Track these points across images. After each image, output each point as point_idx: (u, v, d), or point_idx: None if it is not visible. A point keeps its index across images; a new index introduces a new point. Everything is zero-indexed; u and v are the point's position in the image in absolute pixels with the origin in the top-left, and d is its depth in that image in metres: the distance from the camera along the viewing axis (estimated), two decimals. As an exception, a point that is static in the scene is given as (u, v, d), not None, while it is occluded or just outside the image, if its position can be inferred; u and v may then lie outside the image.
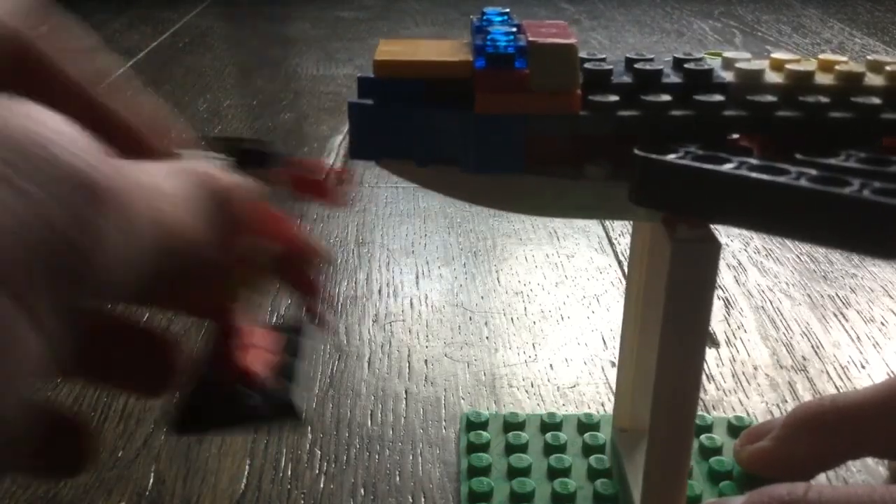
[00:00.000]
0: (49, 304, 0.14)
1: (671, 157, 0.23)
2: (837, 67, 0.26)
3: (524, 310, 0.47)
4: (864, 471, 0.35)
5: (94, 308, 0.17)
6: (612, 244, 0.55)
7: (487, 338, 0.45)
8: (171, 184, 0.20)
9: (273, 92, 0.87)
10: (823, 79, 0.26)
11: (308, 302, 0.26)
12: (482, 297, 0.49)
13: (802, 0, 1.32)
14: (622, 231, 0.57)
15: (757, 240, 0.55)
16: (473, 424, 0.36)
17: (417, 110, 0.26)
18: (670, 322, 0.26)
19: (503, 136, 0.25)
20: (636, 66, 0.26)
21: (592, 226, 0.57)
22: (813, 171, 0.22)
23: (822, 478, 0.34)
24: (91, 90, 0.28)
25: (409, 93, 0.26)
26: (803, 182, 0.21)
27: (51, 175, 0.15)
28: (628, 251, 0.33)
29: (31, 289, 0.14)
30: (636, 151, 0.24)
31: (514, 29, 0.26)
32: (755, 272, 0.52)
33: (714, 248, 0.25)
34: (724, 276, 0.51)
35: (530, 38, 0.25)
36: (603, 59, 0.27)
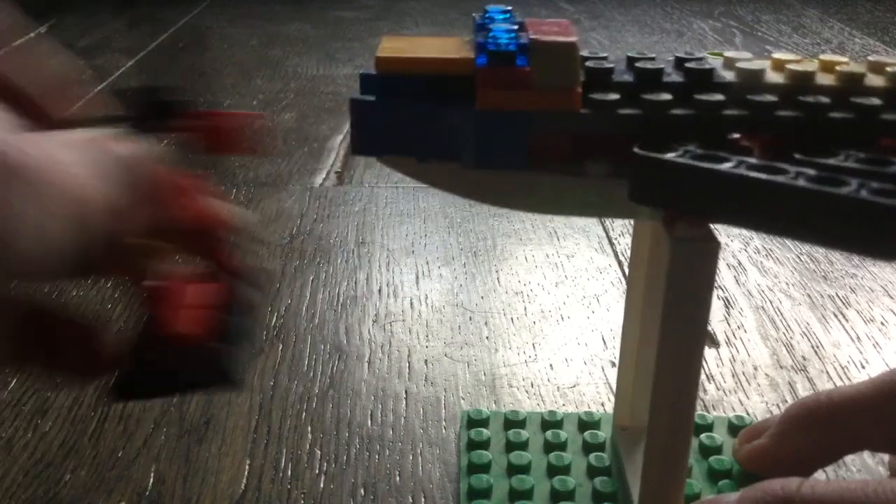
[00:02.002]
0: None
1: (670, 155, 0.23)
2: (838, 68, 0.26)
3: (524, 310, 0.47)
4: (865, 470, 0.35)
5: (18, 294, 0.16)
6: (612, 244, 0.55)
7: (487, 338, 0.45)
8: (78, 156, 0.19)
9: (273, 92, 0.87)
10: (824, 79, 0.26)
11: (221, 274, 0.26)
12: (482, 297, 0.49)
13: (802, 0, 1.32)
14: (622, 231, 0.57)
15: (757, 240, 0.56)
16: (474, 422, 0.36)
17: (419, 107, 0.26)
18: (669, 320, 0.26)
19: (504, 133, 0.25)
20: (637, 64, 0.26)
21: (592, 226, 0.57)
22: (811, 171, 0.22)
23: (821, 475, 0.34)
24: None
25: (410, 89, 0.26)
26: (801, 182, 0.21)
27: None
28: (629, 251, 0.33)
29: None
30: (636, 150, 0.24)
31: (516, 27, 0.26)
32: (755, 272, 0.52)
33: (713, 247, 0.25)
34: (724, 276, 0.51)
35: (532, 36, 0.25)
36: (604, 58, 0.27)
